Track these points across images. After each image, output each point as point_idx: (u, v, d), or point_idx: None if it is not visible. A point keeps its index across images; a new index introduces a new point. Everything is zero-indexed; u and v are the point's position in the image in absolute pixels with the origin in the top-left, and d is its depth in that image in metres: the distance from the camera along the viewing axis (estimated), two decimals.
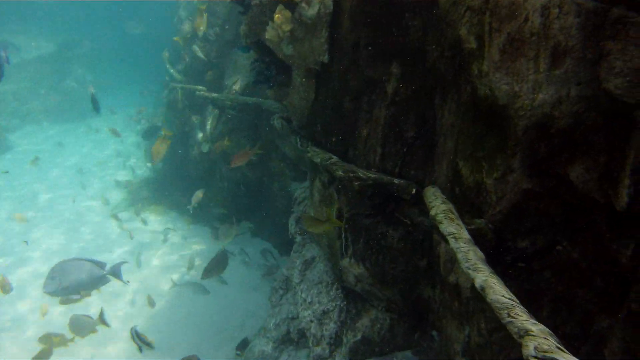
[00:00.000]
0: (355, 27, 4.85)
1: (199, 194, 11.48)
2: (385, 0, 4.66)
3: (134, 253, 11.77)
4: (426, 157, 4.98)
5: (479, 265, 2.89)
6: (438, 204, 3.89)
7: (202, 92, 12.12)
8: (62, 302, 7.44)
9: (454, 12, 4.15)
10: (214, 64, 13.45)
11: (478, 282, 2.79)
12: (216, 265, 8.82)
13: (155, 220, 14.01)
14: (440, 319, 5.04)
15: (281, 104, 6.27)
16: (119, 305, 9.97)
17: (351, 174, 4.87)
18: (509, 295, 2.61)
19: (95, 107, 9.22)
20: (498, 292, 2.61)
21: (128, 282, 7.67)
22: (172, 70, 15.47)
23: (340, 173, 4.93)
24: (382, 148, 5.06)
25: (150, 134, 14.83)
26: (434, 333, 5.31)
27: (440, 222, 3.61)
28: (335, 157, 5.24)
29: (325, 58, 5.12)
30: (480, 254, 3.13)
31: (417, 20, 4.63)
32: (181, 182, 14.36)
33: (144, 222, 13.53)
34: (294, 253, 7.16)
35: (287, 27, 4.97)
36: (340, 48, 5.09)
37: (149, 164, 16.99)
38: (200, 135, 13.00)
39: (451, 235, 3.33)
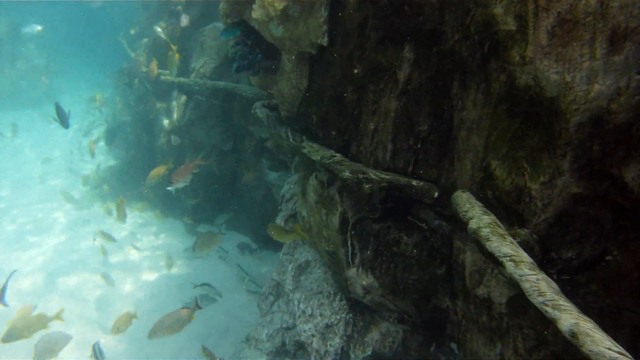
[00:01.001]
0: (362, 5, 4.18)
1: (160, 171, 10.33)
2: None
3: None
4: (441, 154, 4.39)
5: (561, 303, 2.33)
6: (478, 215, 3.31)
7: (166, 77, 11.22)
8: None
9: None
10: (178, 45, 12.50)
11: (565, 326, 2.23)
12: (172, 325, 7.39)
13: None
14: (462, 332, 4.52)
15: (267, 92, 5.56)
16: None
17: (361, 175, 4.24)
18: (616, 346, 2.06)
19: (62, 120, 7.40)
20: (600, 341, 2.06)
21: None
22: (133, 54, 14.40)
23: (347, 174, 4.30)
24: (393, 144, 4.45)
25: (113, 136, 13.67)
26: (454, 346, 4.79)
27: (488, 239, 3.03)
28: (338, 154, 4.60)
29: (324, 40, 4.44)
30: (554, 284, 2.57)
31: None
32: (148, 171, 13.45)
33: (110, 213, 12.61)
34: (285, 255, 6.53)
35: (280, 5, 4.25)
36: (343, 29, 4.41)
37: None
38: (166, 122, 12.11)
39: (508, 258, 2.76)
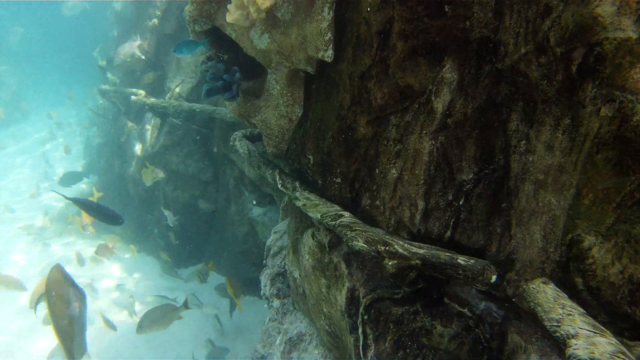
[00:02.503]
0: (385, 4, 2.92)
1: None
2: None
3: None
4: (490, 213, 3.12)
5: None
6: (585, 334, 2.02)
7: (138, 97, 9.90)
8: None
9: None
10: (153, 62, 11.23)
11: None
12: (158, 320, 6.73)
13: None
14: None
15: (248, 121, 4.26)
16: None
17: (382, 248, 2.95)
18: None
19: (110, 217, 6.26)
20: None
21: None
22: (108, 74, 13.09)
23: (361, 245, 3.00)
24: (425, 200, 3.17)
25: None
26: None
27: None
28: (346, 213, 3.30)
29: (327, 54, 3.17)
30: None
31: None
32: (120, 201, 12.05)
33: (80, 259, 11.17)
34: (271, 323, 5.18)
35: (265, 3, 2.98)
36: (355, 38, 3.15)
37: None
38: (138, 147, 10.76)
39: None
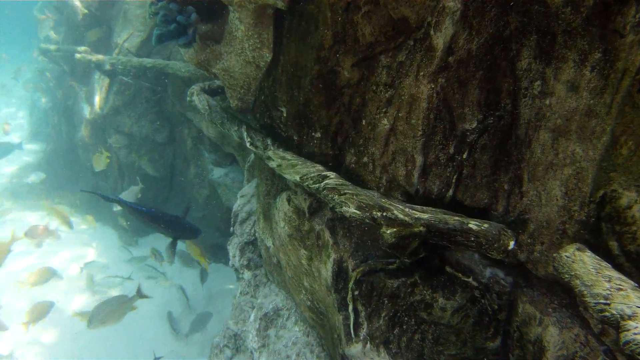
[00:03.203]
0: None
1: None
2: None
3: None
4: (496, 167, 2.69)
5: None
6: None
7: (83, 55, 9.04)
8: None
9: None
10: (98, 17, 10.28)
11: None
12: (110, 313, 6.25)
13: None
14: None
15: (208, 72, 3.67)
16: None
17: (378, 214, 2.49)
18: None
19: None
20: None
21: None
22: (50, 32, 12.01)
23: (353, 211, 2.54)
24: (423, 154, 2.71)
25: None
26: None
27: None
28: (331, 173, 2.82)
29: None
30: None
31: None
32: (70, 169, 11.25)
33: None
34: (243, 297, 4.72)
35: None
36: None
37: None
38: (87, 110, 9.93)
39: None
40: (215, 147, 7.80)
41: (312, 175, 2.83)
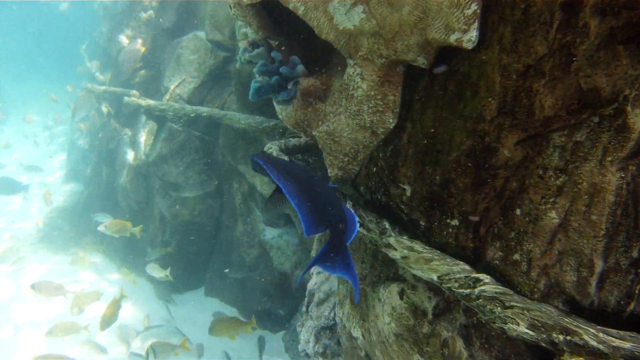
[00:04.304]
0: None
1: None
2: None
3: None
4: None
5: None
6: None
7: (133, 99, 8.71)
8: None
9: None
10: (148, 60, 10.05)
11: None
12: None
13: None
14: None
15: (304, 132, 3.13)
16: None
17: (560, 337, 1.87)
18: None
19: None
20: None
21: None
22: (94, 71, 11.87)
23: (523, 330, 1.92)
24: (604, 258, 2.10)
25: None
26: None
27: None
28: (484, 276, 2.21)
29: (469, 37, 2.08)
30: None
31: None
32: (108, 212, 10.79)
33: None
34: None
35: None
36: (517, 14, 2.05)
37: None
38: (130, 155, 9.56)
39: None
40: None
41: (458, 276, 2.22)
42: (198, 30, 9.00)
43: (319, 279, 4.19)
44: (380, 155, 2.83)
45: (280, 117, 3.14)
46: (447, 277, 2.26)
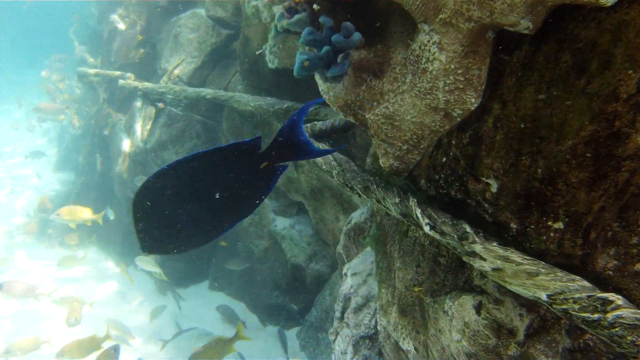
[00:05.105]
0: None
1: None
2: None
3: None
4: None
5: None
6: None
7: (128, 82, 8.15)
8: None
9: None
10: (143, 41, 9.46)
11: None
12: None
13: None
14: None
15: (354, 116, 2.63)
16: None
17: None
18: None
19: None
20: None
21: None
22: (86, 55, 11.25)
23: None
24: None
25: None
26: None
27: None
28: (616, 296, 1.75)
29: None
30: None
31: None
32: (104, 205, 10.25)
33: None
34: None
35: None
36: None
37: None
38: (126, 142, 9.00)
39: None
40: (278, 193, 6.78)
41: (578, 296, 1.76)
42: (197, 7, 8.41)
43: (355, 281, 3.72)
44: (453, 142, 2.35)
45: (325, 97, 2.64)
46: (561, 297, 1.80)
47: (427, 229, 2.30)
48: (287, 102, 5.51)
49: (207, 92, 6.70)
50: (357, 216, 4.24)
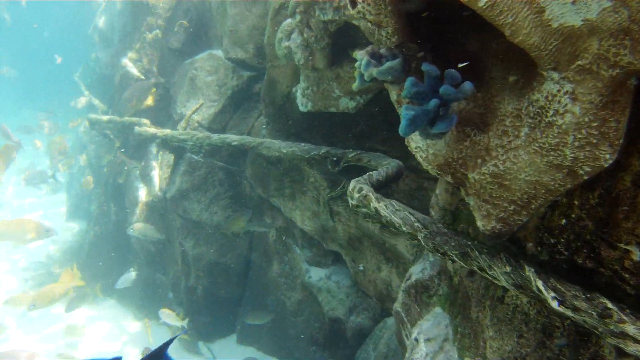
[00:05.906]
0: None
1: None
2: None
3: None
4: None
5: None
6: None
7: (145, 128, 7.90)
8: None
9: None
10: (155, 83, 9.26)
11: None
12: None
13: (84, 315, 9.46)
14: None
15: (452, 175, 2.32)
16: None
17: None
18: None
19: None
20: None
21: None
22: (94, 99, 11.06)
23: None
24: None
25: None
26: None
27: None
28: None
29: None
30: None
31: None
32: (118, 257, 9.88)
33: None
34: None
35: None
36: None
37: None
38: (143, 191, 8.70)
39: None
40: (311, 242, 6.45)
41: None
42: (212, 49, 8.22)
43: (430, 349, 3.35)
44: (576, 202, 2.04)
45: (419, 155, 2.34)
46: None
47: (554, 304, 1.97)
48: (323, 147, 5.22)
49: (233, 138, 6.42)
50: (417, 272, 3.90)
